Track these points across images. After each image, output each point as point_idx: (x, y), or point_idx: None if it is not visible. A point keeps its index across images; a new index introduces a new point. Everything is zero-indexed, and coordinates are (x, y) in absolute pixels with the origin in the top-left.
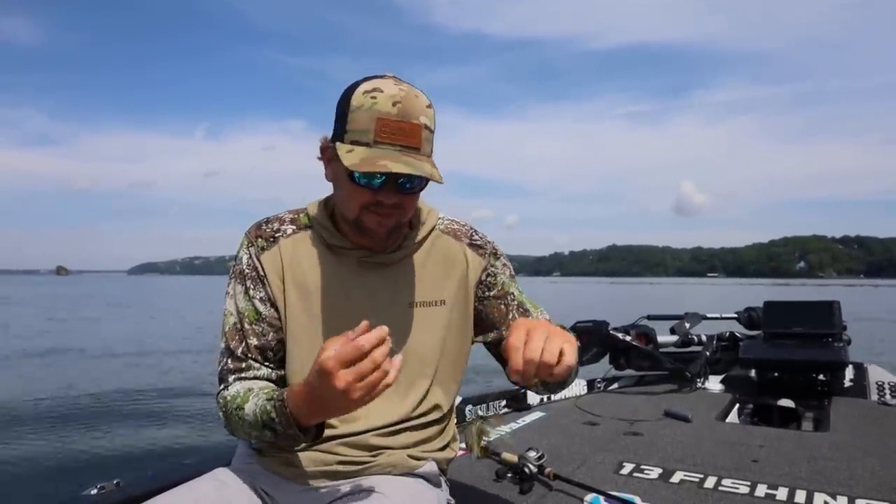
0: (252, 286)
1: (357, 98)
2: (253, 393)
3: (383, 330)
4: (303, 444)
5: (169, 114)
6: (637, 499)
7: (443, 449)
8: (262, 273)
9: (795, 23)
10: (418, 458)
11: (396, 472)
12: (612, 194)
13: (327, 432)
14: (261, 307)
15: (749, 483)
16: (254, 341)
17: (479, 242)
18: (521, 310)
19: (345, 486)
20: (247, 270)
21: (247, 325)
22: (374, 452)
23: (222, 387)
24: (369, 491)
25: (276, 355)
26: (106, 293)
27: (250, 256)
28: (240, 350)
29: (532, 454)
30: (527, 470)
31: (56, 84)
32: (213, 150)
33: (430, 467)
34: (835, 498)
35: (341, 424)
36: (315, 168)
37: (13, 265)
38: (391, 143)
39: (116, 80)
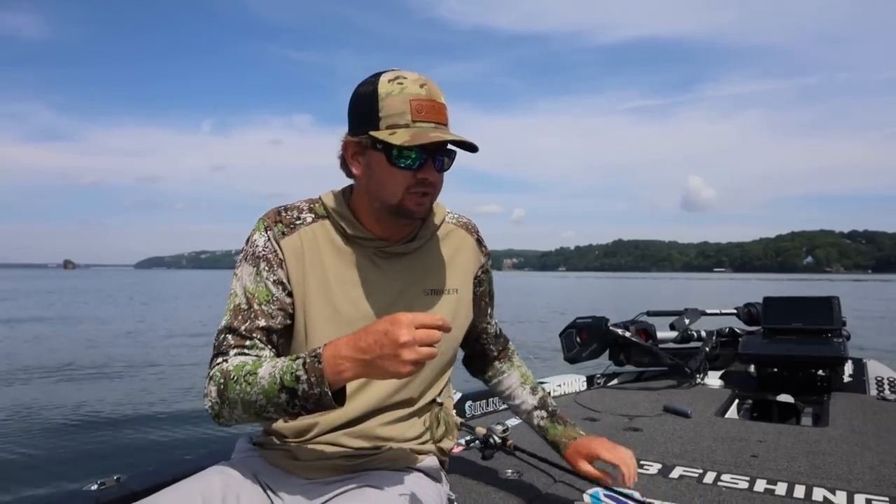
0: (266, 268)
1: (384, 86)
2: (267, 361)
3: (448, 322)
4: (310, 430)
5: (175, 108)
6: (636, 494)
7: (442, 440)
8: (281, 257)
9: (803, 16)
10: (420, 452)
11: (398, 466)
12: (619, 189)
13: (330, 420)
14: (273, 289)
15: (748, 478)
16: (261, 322)
17: (482, 240)
18: (489, 311)
19: (347, 480)
20: (262, 252)
21: (255, 306)
22: (377, 445)
23: (220, 360)
24: (372, 486)
25: (279, 340)
26: (111, 286)
27: (268, 239)
28: (244, 328)
29: (498, 427)
30: (491, 441)
31: (63, 78)
32: (220, 145)
33: (431, 461)
34: (834, 493)
35: (347, 404)
36: (322, 161)
37: (22, 259)
38: (427, 121)
39: (123, 75)
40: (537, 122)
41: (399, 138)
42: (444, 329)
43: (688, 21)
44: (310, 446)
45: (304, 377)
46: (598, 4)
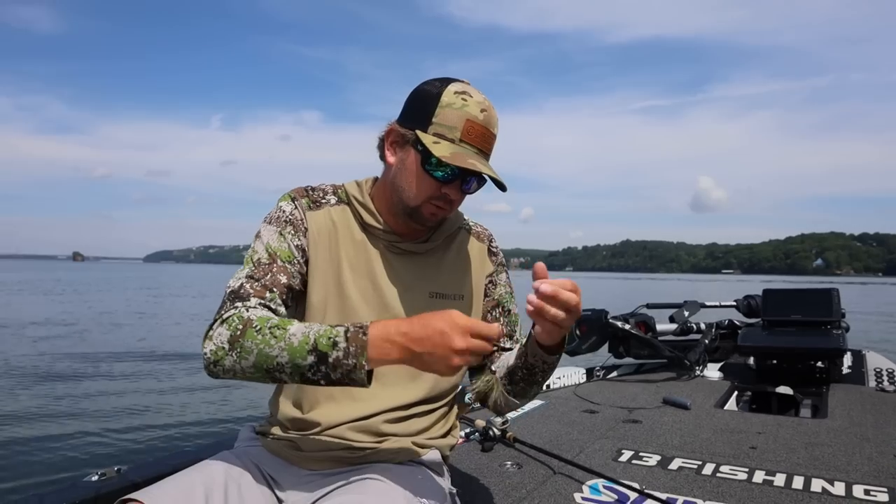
0: (291, 232)
1: (449, 95)
2: (298, 322)
3: (501, 332)
4: (315, 427)
5: (185, 103)
6: (635, 485)
7: (445, 436)
8: (305, 226)
9: (817, 16)
10: (422, 446)
11: (401, 460)
12: (628, 189)
13: (336, 416)
14: (295, 252)
15: (747, 469)
16: (283, 278)
17: (494, 250)
18: (508, 327)
19: (349, 473)
20: (289, 217)
21: (279, 262)
22: (380, 439)
23: (239, 305)
24: (374, 479)
25: (293, 301)
26: (119, 278)
27: (295, 208)
28: (267, 279)
29: (498, 420)
30: (491, 433)
31: (74, 71)
32: (230, 140)
33: (433, 455)
34: (832, 484)
35: (352, 405)
36: (330, 158)
37: (32, 250)
38: (472, 145)
39: (134, 69)
40: (547, 122)
41: (440, 150)
42: (497, 340)
43: (699, 20)
44: (313, 438)
45: (342, 345)
46: (610, 3)
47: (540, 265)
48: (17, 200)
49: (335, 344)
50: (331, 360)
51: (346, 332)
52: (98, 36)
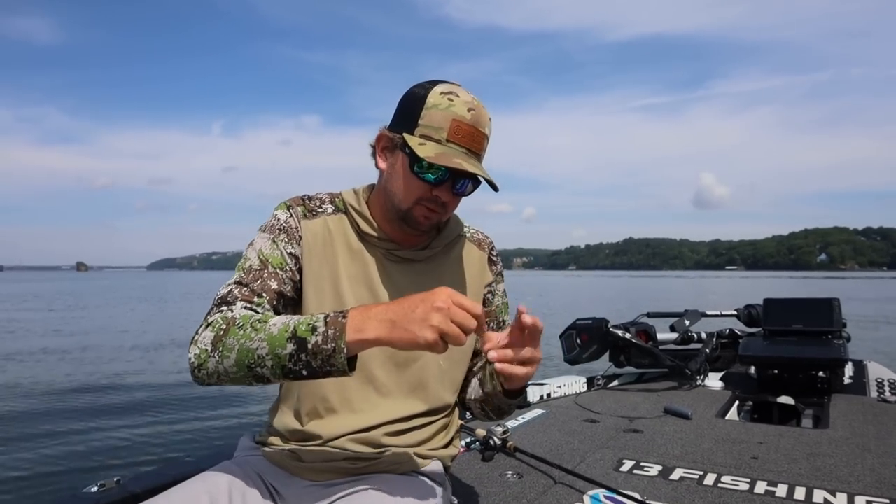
0: (285, 239)
1: (434, 97)
2: (279, 316)
3: (482, 315)
4: (316, 439)
5: (186, 110)
6: (636, 495)
7: (447, 446)
8: (300, 234)
9: (816, 10)
10: (424, 457)
11: (402, 470)
12: (630, 187)
13: (336, 429)
14: (288, 259)
15: (749, 480)
16: (273, 284)
17: (495, 259)
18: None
19: (350, 483)
20: (283, 225)
21: (270, 269)
22: (381, 450)
23: (224, 308)
24: (376, 490)
25: (285, 309)
26: (123, 287)
27: (290, 216)
28: (255, 285)
29: (498, 429)
30: (491, 442)
31: (74, 82)
32: (231, 146)
33: (435, 466)
34: (834, 495)
35: (352, 417)
36: (331, 162)
37: (36, 261)
38: (460, 145)
39: (133, 77)
40: (547, 121)
41: (425, 151)
42: (478, 319)
43: (698, 17)
44: (314, 449)
45: (321, 329)
46: (608, 1)
47: (489, 347)
48: (19, 212)
49: (314, 329)
50: (310, 345)
51: (326, 317)
52: (97, 46)
